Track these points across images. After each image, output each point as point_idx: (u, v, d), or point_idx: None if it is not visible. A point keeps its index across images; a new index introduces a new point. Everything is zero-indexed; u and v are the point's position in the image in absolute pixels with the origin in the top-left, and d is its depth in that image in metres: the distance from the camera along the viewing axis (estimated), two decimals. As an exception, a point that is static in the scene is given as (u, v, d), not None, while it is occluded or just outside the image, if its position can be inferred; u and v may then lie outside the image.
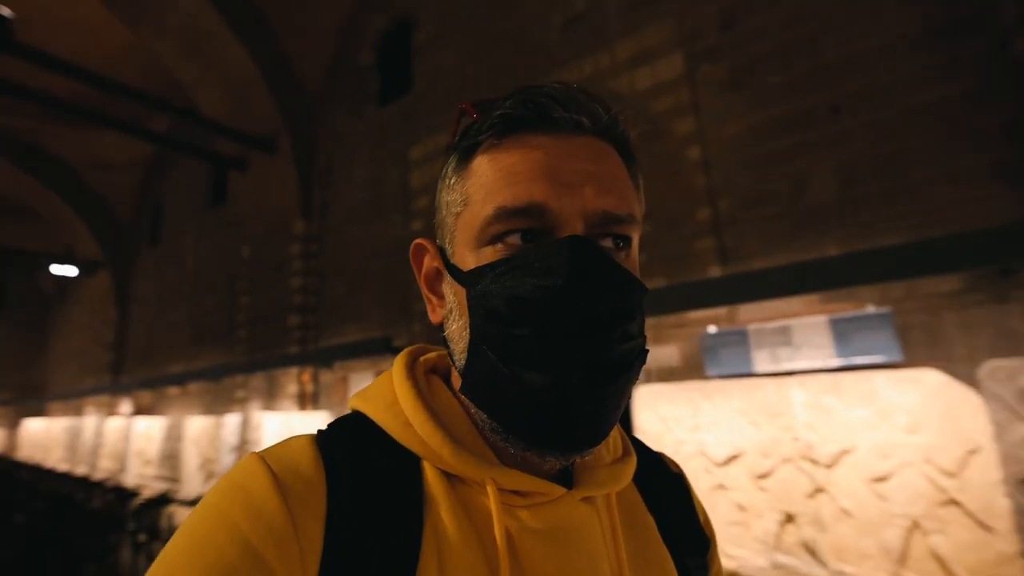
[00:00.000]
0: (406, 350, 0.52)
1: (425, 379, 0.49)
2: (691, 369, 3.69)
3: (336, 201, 8.01)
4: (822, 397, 2.71)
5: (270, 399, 7.89)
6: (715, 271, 3.74)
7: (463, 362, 0.44)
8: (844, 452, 2.60)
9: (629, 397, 0.43)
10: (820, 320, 2.94)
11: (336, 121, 8.40)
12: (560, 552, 0.42)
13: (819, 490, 2.64)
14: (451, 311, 0.47)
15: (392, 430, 0.45)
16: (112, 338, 13.53)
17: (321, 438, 0.44)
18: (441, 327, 0.49)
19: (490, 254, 0.43)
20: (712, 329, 3.51)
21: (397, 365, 0.50)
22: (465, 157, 0.46)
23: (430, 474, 0.43)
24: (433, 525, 0.41)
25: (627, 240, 0.45)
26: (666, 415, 3.27)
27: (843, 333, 2.84)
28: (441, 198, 0.49)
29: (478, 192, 0.44)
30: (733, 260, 3.71)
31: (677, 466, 0.61)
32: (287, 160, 8.41)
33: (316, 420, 6.77)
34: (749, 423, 2.90)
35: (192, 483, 8.55)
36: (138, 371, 12.23)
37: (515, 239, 0.43)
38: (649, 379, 4.02)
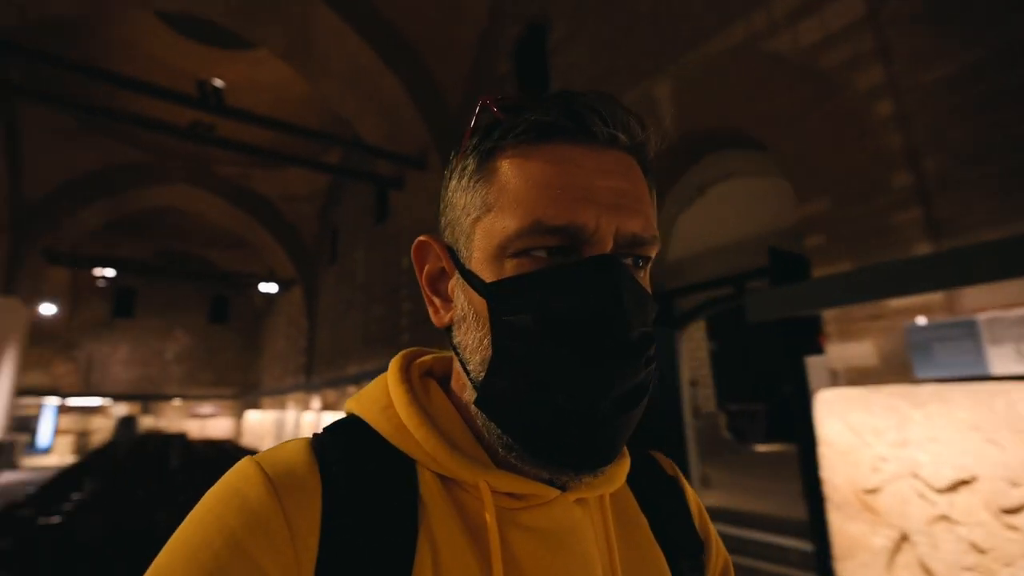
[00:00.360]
0: (401, 353, 0.51)
1: (420, 382, 0.49)
2: (892, 370, 3.02)
3: (481, 209, 8.28)
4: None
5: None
6: (922, 248, 3.03)
7: (481, 376, 0.43)
8: None
9: (642, 413, 0.43)
10: (1094, 304, 2.18)
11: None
12: (554, 554, 0.42)
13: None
14: (464, 319, 0.45)
15: (387, 433, 0.45)
16: (304, 344, 15.65)
17: (316, 441, 0.44)
18: (447, 330, 0.48)
19: (515, 267, 0.42)
20: (921, 321, 2.84)
21: (392, 368, 0.49)
22: (487, 158, 0.44)
23: (425, 477, 0.43)
24: (428, 527, 0.41)
25: (648, 260, 0.45)
26: (859, 425, 2.71)
27: None
28: (453, 197, 0.47)
29: (506, 201, 0.42)
30: (948, 233, 2.97)
31: (673, 467, 0.61)
32: (437, 174, 8.92)
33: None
34: (985, 440, 2.24)
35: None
36: (324, 372, 13.91)
37: (542, 253, 0.41)
38: (836, 382, 3.41)
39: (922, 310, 2.96)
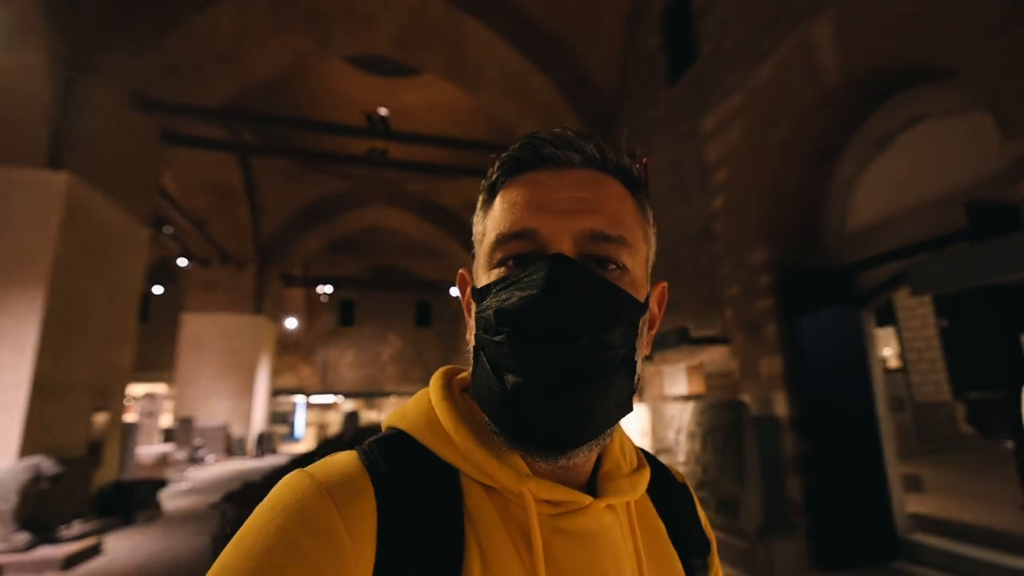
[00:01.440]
0: (441, 370, 0.55)
1: (461, 397, 0.52)
2: None
3: (641, 194, 7.93)
4: None
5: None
6: None
7: (471, 370, 0.50)
8: None
9: (620, 408, 0.46)
10: None
11: (633, 115, 8.35)
12: (590, 556, 0.46)
13: None
14: (470, 330, 0.51)
15: (434, 446, 0.48)
16: (486, 342, 16.68)
17: (364, 454, 0.46)
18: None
19: (495, 275, 0.48)
20: None
21: (435, 385, 0.53)
22: (489, 198, 0.52)
23: (468, 486, 0.46)
24: (474, 534, 0.43)
25: (617, 263, 0.47)
26: None
27: None
28: (473, 232, 0.54)
29: (491, 224, 0.50)
30: None
31: (681, 476, 0.64)
32: (591, 164, 8.78)
33: (638, 413, 6.72)
34: None
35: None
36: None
37: (511, 262, 0.47)
38: None
39: None
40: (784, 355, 5.01)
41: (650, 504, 0.57)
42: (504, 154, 0.51)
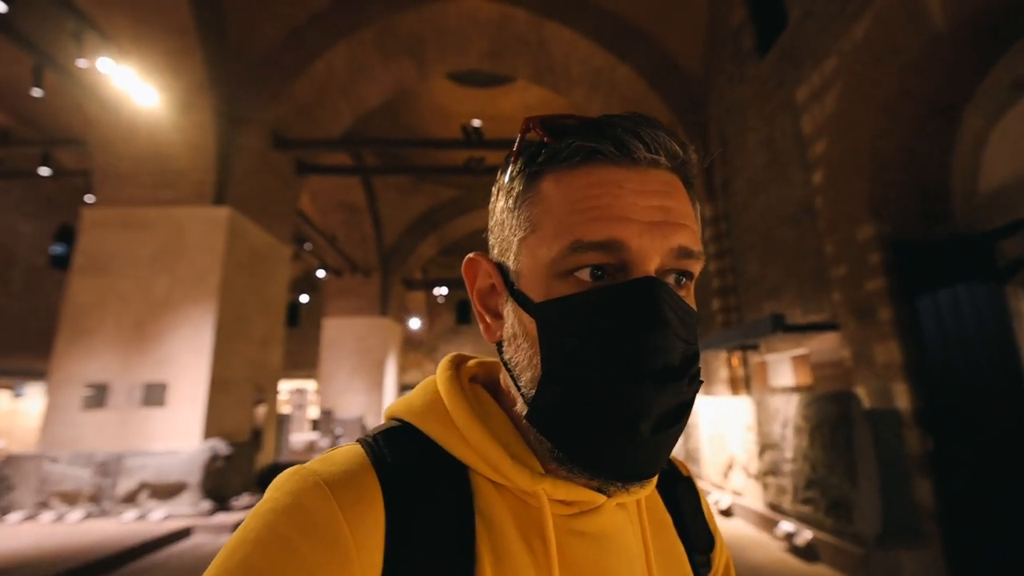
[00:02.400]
0: (448, 358, 0.53)
1: (471, 389, 0.50)
2: None
3: (736, 175, 7.65)
4: None
5: (708, 384, 8.09)
6: None
7: (531, 393, 0.44)
8: None
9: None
10: None
11: (721, 95, 8.05)
12: (603, 555, 0.45)
13: None
14: (514, 336, 0.46)
15: (445, 443, 0.45)
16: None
17: (370, 449, 0.44)
18: (497, 345, 0.49)
19: (561, 287, 0.42)
20: None
21: (443, 375, 0.50)
22: (533, 180, 0.45)
23: (478, 483, 0.44)
24: (486, 534, 0.42)
25: (692, 276, 0.45)
26: None
27: None
28: (502, 217, 0.48)
29: (549, 221, 0.43)
30: None
31: (687, 469, 0.63)
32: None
33: (742, 407, 6.53)
34: None
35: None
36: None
37: (586, 274, 0.42)
38: None
39: None
40: (902, 341, 4.55)
41: (659, 498, 0.56)
42: (571, 140, 0.44)
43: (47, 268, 14.43)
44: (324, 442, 12.33)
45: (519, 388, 0.45)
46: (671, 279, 0.44)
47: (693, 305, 0.45)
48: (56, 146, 9.21)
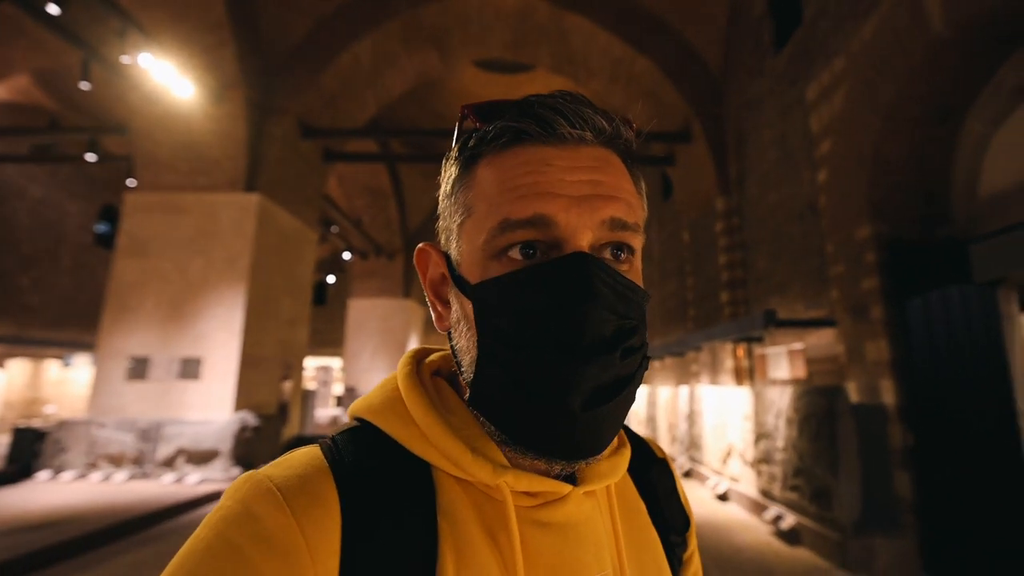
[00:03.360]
0: (409, 353, 0.52)
1: (432, 382, 0.49)
2: None
3: (751, 170, 7.71)
4: None
5: (714, 373, 8.29)
6: None
7: (471, 376, 0.44)
8: None
9: (633, 401, 0.45)
10: None
11: (739, 88, 8.06)
12: (569, 545, 0.44)
13: None
14: (458, 322, 0.46)
15: (404, 440, 0.45)
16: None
17: (327, 450, 0.43)
18: (448, 334, 0.50)
19: (496, 268, 0.43)
20: None
21: (403, 371, 0.49)
22: (467, 165, 0.46)
23: (441, 480, 0.44)
24: (448, 532, 0.41)
25: (631, 249, 0.45)
26: None
27: None
28: (443, 204, 0.49)
29: (481, 204, 0.44)
30: None
31: (661, 451, 0.62)
32: (702, 144, 8.69)
33: (741, 397, 6.74)
34: None
35: (663, 441, 9.88)
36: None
37: (516, 252, 0.42)
38: None
39: None
40: (892, 339, 4.70)
41: (631, 484, 0.55)
42: (499, 122, 0.44)
43: (92, 246, 15.30)
44: (347, 417, 13.00)
45: (462, 373, 0.46)
46: (607, 253, 0.44)
47: (637, 280, 0.45)
48: (101, 133, 9.80)
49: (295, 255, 9.66)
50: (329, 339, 22.42)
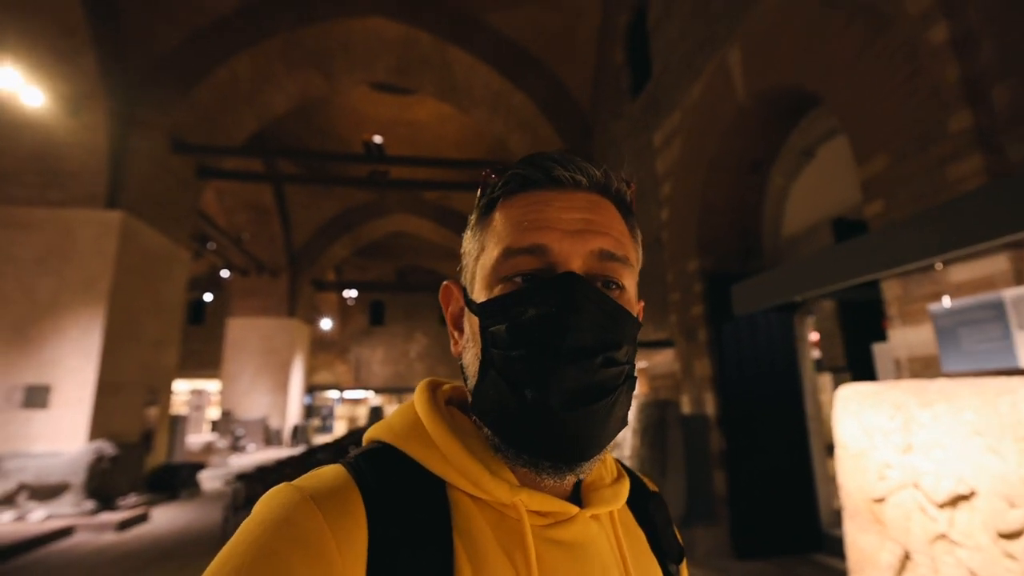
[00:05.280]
0: (425, 382, 0.56)
1: (447, 409, 0.52)
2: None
3: (614, 202, 8.53)
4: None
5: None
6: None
7: (474, 383, 0.49)
8: None
9: (620, 422, 0.48)
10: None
11: (604, 127, 8.87)
12: (580, 565, 0.46)
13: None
14: (468, 341, 0.51)
15: (422, 459, 0.48)
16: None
17: (352, 467, 0.46)
18: (460, 358, 0.54)
19: (500, 290, 0.48)
20: (946, 303, 2.43)
21: (421, 397, 0.53)
22: (486, 213, 0.52)
23: (456, 498, 0.46)
24: (464, 546, 0.43)
25: (618, 284, 0.49)
26: (872, 426, 2.36)
27: None
28: (465, 247, 0.55)
29: (492, 239, 0.50)
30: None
31: (653, 485, 0.67)
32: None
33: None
34: (986, 448, 1.86)
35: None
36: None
37: (519, 278, 0.47)
38: (900, 373, 3.03)
39: (985, 285, 2.40)
40: (712, 358, 5.38)
41: (630, 514, 0.58)
42: (509, 171, 0.51)
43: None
44: (223, 443, 12.28)
45: (468, 385, 0.51)
46: (598, 284, 0.48)
47: (628, 307, 0.49)
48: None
49: (163, 275, 9.14)
50: (206, 361, 20.86)
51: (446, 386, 0.56)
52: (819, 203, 5.16)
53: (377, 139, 10.91)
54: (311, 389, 21.95)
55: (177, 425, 10.06)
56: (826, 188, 5.02)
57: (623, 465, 0.62)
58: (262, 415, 15.22)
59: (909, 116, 2.99)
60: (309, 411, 21.84)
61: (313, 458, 8.12)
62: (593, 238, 0.48)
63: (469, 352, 0.51)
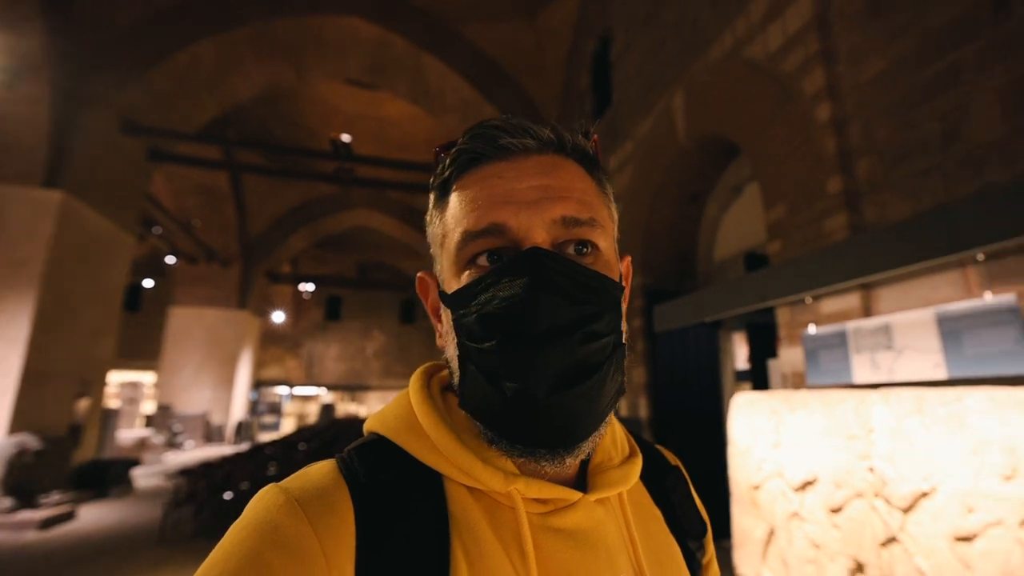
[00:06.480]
0: (421, 369, 0.55)
1: (441, 397, 0.51)
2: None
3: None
4: (905, 420, 2.02)
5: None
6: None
7: (457, 378, 0.47)
8: (923, 495, 1.90)
9: (615, 394, 0.46)
10: (926, 316, 2.16)
11: (565, 145, 9.16)
12: (583, 553, 0.45)
13: (892, 539, 1.98)
14: (447, 333, 0.49)
15: (414, 450, 0.46)
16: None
17: (342, 463, 0.45)
18: (444, 351, 0.52)
19: (467, 277, 0.46)
20: (812, 330, 2.91)
21: (414, 386, 0.52)
22: (442, 195, 0.50)
23: (452, 490, 0.45)
24: (460, 540, 0.42)
25: (591, 244, 0.47)
26: (755, 427, 2.86)
27: (954, 333, 2.04)
28: (428, 233, 0.52)
29: (451, 222, 0.47)
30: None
31: (675, 458, 0.65)
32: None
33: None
34: (830, 445, 2.34)
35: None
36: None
37: (484, 259, 0.45)
38: (785, 384, 3.49)
39: (842, 316, 2.93)
40: (647, 367, 5.92)
41: (645, 492, 0.56)
42: (455, 148, 0.48)
43: None
44: (158, 439, 11.75)
45: (452, 379, 0.49)
46: (571, 249, 0.46)
47: (607, 271, 0.47)
48: None
49: (105, 261, 8.74)
50: (141, 351, 19.85)
51: (444, 371, 0.54)
52: (742, 235, 5.73)
53: (345, 138, 10.75)
54: (258, 384, 21.27)
55: (108, 419, 9.58)
56: (749, 222, 5.57)
57: (639, 439, 0.60)
58: (203, 410, 14.67)
59: (802, 175, 3.51)
60: (254, 407, 21.13)
61: (261, 454, 7.90)
62: (552, 205, 0.45)
63: (450, 345, 0.49)
